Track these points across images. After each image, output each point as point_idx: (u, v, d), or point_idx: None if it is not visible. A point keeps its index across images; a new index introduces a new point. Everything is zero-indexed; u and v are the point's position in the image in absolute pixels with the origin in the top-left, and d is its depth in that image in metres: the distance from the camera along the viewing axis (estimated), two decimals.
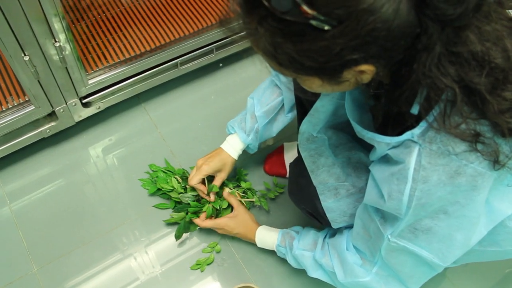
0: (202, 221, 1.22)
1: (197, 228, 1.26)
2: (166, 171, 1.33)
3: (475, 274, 1.27)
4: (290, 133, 1.47)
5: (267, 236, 1.17)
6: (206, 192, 1.22)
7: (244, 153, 1.42)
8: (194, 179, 1.20)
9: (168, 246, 1.26)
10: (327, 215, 0.95)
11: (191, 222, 1.23)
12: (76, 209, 1.30)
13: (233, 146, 1.21)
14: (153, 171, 1.34)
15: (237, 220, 1.21)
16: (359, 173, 0.93)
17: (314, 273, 1.03)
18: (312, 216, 0.99)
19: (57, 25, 1.04)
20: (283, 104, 1.18)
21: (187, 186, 1.26)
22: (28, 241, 1.24)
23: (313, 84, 0.65)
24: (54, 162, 1.38)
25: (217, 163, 1.21)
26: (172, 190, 1.28)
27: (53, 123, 1.29)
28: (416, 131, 0.64)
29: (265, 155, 1.41)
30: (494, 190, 0.69)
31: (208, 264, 1.23)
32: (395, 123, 0.69)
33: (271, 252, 1.25)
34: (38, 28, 1.02)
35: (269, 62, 0.63)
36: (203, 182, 1.22)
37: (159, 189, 1.31)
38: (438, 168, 0.64)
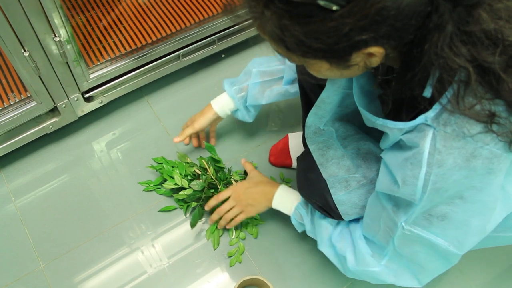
0: (219, 209, 1.20)
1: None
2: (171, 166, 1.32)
3: (483, 261, 1.26)
4: (293, 123, 1.46)
5: (289, 194, 1.12)
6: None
7: (250, 143, 1.42)
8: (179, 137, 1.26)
9: (175, 239, 1.25)
10: (338, 208, 0.93)
11: (203, 208, 1.23)
12: (81, 204, 1.29)
13: (219, 102, 1.23)
14: (158, 163, 1.33)
15: (251, 179, 1.19)
16: (370, 163, 0.92)
17: (326, 249, 1.01)
18: (323, 210, 0.97)
19: (56, 19, 1.02)
20: (283, 76, 1.16)
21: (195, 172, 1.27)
22: (34, 237, 1.23)
23: (321, 68, 0.64)
24: (58, 158, 1.37)
25: (195, 115, 1.26)
26: (176, 190, 1.28)
27: (55, 119, 1.28)
28: (430, 114, 0.63)
29: (269, 146, 1.40)
30: (509, 175, 0.68)
31: (241, 254, 1.23)
32: (407, 108, 0.68)
33: (279, 244, 1.25)
34: (37, 23, 1.01)
35: (277, 47, 0.62)
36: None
37: (160, 184, 1.31)
38: (453, 151, 0.62)
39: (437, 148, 0.63)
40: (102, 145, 1.40)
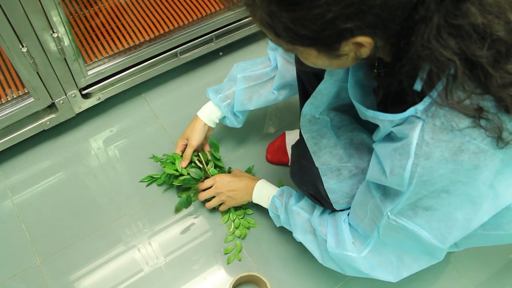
0: (200, 194, 1.24)
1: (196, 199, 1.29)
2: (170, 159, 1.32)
3: (479, 259, 1.27)
4: (291, 120, 1.47)
5: (267, 188, 1.17)
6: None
7: (247, 141, 1.42)
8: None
9: (172, 237, 1.26)
10: (329, 196, 0.94)
11: (192, 197, 1.27)
12: (78, 201, 1.29)
13: (205, 112, 1.23)
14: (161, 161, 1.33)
15: (234, 174, 1.24)
16: (362, 154, 0.93)
17: (301, 235, 1.04)
18: (314, 198, 0.98)
19: (55, 16, 1.03)
20: (269, 79, 1.17)
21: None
22: (31, 233, 1.24)
23: (309, 55, 0.65)
24: (55, 154, 1.37)
25: (186, 131, 1.25)
26: (176, 176, 1.28)
27: (53, 115, 1.28)
28: (420, 106, 0.63)
29: (267, 144, 1.40)
30: (500, 174, 0.68)
31: (239, 251, 1.23)
32: (398, 100, 0.68)
33: (275, 241, 1.25)
34: (36, 19, 1.01)
35: (267, 33, 0.63)
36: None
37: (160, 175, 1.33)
38: (441, 144, 0.63)
39: (425, 140, 0.63)
40: (100, 142, 1.41)
